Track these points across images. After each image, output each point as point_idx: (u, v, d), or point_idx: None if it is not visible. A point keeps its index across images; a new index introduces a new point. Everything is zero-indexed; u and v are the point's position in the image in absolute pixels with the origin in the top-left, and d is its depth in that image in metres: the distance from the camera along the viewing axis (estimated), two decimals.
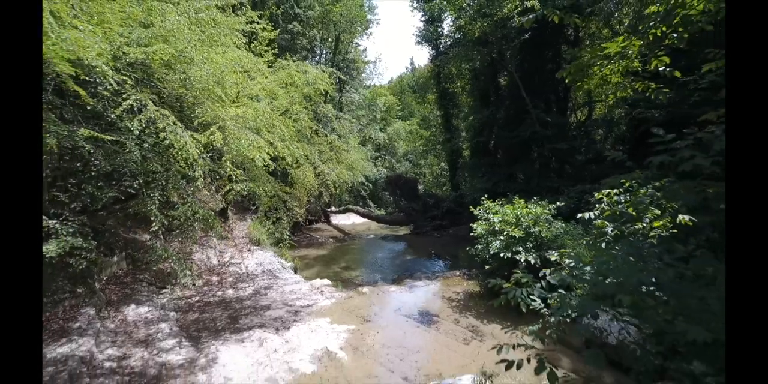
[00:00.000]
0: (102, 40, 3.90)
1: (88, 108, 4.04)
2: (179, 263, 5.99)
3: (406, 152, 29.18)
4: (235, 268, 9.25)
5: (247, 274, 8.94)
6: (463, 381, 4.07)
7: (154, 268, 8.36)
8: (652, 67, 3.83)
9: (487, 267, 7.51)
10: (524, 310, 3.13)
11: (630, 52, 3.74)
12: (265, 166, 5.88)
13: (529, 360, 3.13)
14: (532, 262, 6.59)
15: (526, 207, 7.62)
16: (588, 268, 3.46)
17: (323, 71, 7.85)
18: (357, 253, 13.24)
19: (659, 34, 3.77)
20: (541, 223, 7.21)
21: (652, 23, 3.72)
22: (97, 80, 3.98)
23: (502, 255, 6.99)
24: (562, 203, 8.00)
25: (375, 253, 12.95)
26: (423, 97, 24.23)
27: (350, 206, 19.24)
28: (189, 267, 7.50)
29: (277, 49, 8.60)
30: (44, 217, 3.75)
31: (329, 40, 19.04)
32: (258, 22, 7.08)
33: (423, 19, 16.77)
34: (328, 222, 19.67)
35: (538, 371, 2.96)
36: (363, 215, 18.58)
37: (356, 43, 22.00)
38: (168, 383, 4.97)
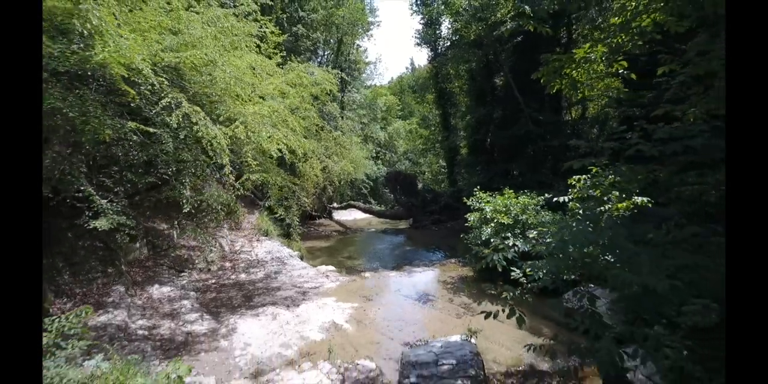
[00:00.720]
0: (143, 47, 4.58)
1: (133, 105, 4.72)
2: (206, 240, 6.68)
3: (405, 151, 29.83)
4: (246, 255, 9.93)
5: (258, 261, 9.62)
6: (453, 338, 4.73)
7: (172, 254, 9.07)
8: (613, 70, 4.50)
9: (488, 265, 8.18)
10: (500, 269, 3.78)
11: (593, 56, 4.40)
12: (278, 157, 6.57)
13: (503, 310, 3.82)
14: (519, 245, 7.25)
15: (516, 197, 8.28)
16: (552, 237, 4.14)
17: (328, 72, 8.52)
18: (359, 244, 13.92)
19: (620, 42, 4.45)
20: (528, 212, 7.87)
21: (613, 32, 4.39)
22: (139, 81, 4.65)
23: (492, 240, 7.65)
24: (551, 195, 8.67)
25: (376, 245, 13.63)
26: (422, 97, 24.91)
27: (352, 202, 19.92)
28: (214, 245, 8.20)
29: (284, 52, 9.26)
30: (96, 197, 4.42)
31: (331, 41, 19.71)
32: (269, 28, 7.75)
33: (422, 22, 17.46)
34: (331, 217, 20.35)
35: (509, 316, 3.66)
36: (364, 210, 19.26)
37: (358, 45, 22.68)
38: (194, 347, 5.66)
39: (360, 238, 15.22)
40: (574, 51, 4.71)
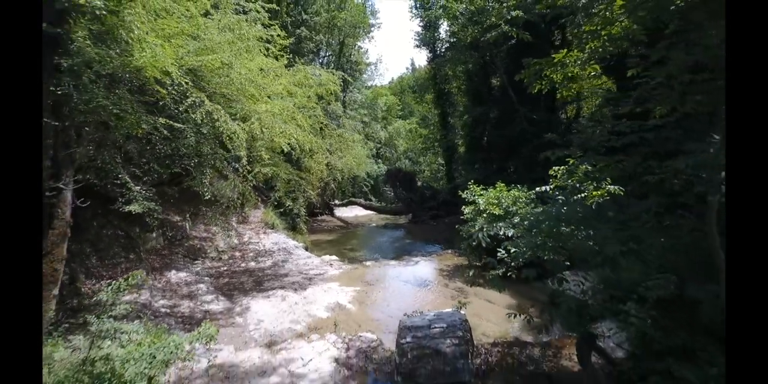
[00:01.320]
0: (171, 52, 5.17)
1: (161, 103, 5.32)
2: (223, 225, 7.28)
3: (405, 150, 30.43)
4: (254, 246, 10.52)
5: (265, 251, 10.21)
6: (445, 310, 5.32)
7: (186, 244, 9.68)
8: (587, 72, 5.09)
9: (474, 243, 8.77)
10: (483, 245, 4.36)
11: (568, 61, 4.99)
12: (286, 153, 7.17)
13: (485, 278, 4.41)
14: (510, 234, 7.82)
15: (508, 190, 8.85)
16: (530, 219, 4.74)
17: (332, 74, 9.12)
18: (360, 238, 14.52)
19: (592, 47, 5.04)
20: (519, 204, 8.44)
21: (585, 39, 4.98)
22: (167, 82, 5.25)
23: (485, 229, 8.23)
24: (541, 189, 9.26)
25: (377, 238, 14.23)
26: (422, 97, 25.50)
27: (353, 199, 20.51)
28: (230, 229, 8.82)
29: (289, 54, 9.86)
30: (131, 184, 5.02)
31: (333, 43, 20.31)
32: (276, 32, 8.35)
33: (421, 24, 18.07)
34: (332, 214, 20.93)
35: (492, 283, 4.24)
36: (365, 207, 19.86)
37: (359, 46, 23.29)
38: (213, 323, 6.24)
39: (361, 232, 15.82)
40: (553, 56, 5.31)
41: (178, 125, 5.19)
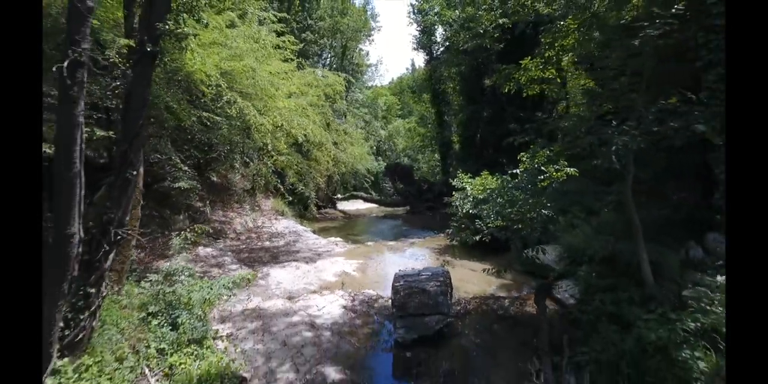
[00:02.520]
0: (212, 58, 6.43)
1: (202, 100, 6.57)
2: (239, 211, 8.51)
3: (404, 148, 31.67)
4: (268, 229, 11.77)
5: (278, 233, 11.46)
6: (431, 266, 6.56)
7: (209, 227, 10.93)
8: (546, 75, 6.33)
9: (463, 226, 10.01)
10: (461, 214, 5.55)
11: (531, 66, 6.23)
12: (297, 144, 8.41)
13: (469, 252, 5.66)
14: (492, 216, 9.06)
15: (494, 178, 10.08)
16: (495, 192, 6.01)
17: (339, 75, 10.38)
18: (362, 225, 15.79)
19: (549, 56, 6.29)
20: (501, 190, 9.68)
21: (544, 48, 6.22)
22: (207, 83, 6.50)
23: (470, 212, 9.46)
24: (512, 171, 10.50)
25: (377, 226, 15.49)
26: (420, 97, 26.75)
27: (354, 193, 21.76)
28: (246, 215, 10.07)
29: (299, 58, 11.11)
30: (181, 164, 6.27)
31: (336, 46, 21.58)
32: (289, 39, 9.61)
33: (418, 29, 19.33)
34: (335, 207, 22.18)
35: (463, 240, 5.49)
36: (366, 199, 21.12)
37: (360, 49, 24.57)
38: (241, 285, 7.48)
39: (363, 221, 17.09)
40: (520, 62, 6.56)
41: (216, 118, 6.43)
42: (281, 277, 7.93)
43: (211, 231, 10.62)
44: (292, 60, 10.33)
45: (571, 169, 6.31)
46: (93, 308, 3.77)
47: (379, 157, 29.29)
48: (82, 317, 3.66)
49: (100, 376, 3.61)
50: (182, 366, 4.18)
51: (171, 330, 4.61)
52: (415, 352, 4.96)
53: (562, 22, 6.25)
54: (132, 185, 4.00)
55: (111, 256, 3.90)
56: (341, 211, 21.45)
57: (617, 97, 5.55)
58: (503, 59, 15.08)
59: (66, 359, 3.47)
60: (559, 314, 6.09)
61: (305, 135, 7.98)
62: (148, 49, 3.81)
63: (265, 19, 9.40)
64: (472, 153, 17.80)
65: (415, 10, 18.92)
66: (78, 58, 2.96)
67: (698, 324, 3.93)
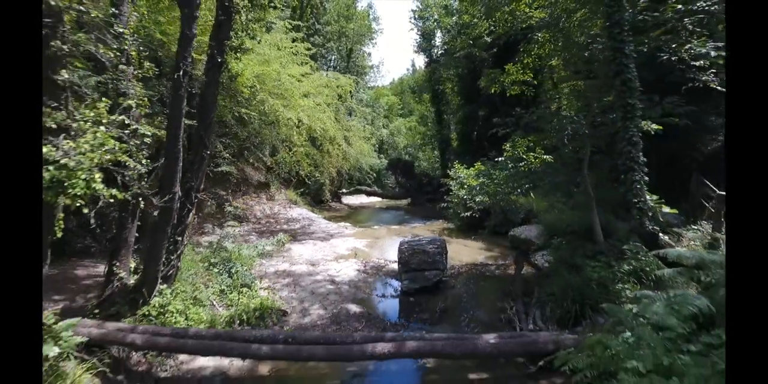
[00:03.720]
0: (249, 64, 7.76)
1: (239, 100, 7.90)
2: (258, 199, 9.85)
3: (405, 146, 32.97)
4: (284, 215, 13.10)
5: (293, 219, 12.79)
6: (431, 236, 7.90)
7: (233, 212, 12.27)
8: (525, 78, 7.66)
9: (458, 210, 11.36)
10: (456, 200, 6.84)
11: (512, 71, 7.57)
12: (313, 138, 9.73)
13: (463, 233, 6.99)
14: (477, 192, 10.36)
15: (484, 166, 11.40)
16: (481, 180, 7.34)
17: (349, 78, 11.72)
18: (367, 214, 17.13)
19: (527, 62, 7.63)
20: (485, 171, 11.00)
21: (522, 55, 7.56)
22: (245, 85, 7.82)
23: (465, 198, 10.79)
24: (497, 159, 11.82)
25: (381, 215, 16.84)
26: (420, 97, 28.06)
27: (359, 187, 23.08)
28: (264, 203, 11.39)
29: (314, 61, 12.40)
30: (224, 152, 7.59)
31: (342, 50, 22.93)
32: (306, 46, 10.94)
33: (419, 33, 20.67)
34: (340, 201, 23.51)
35: (457, 218, 6.83)
36: (369, 193, 22.45)
37: (363, 51, 25.92)
38: (269, 255, 8.82)
39: (367, 211, 18.45)
40: (506, 67, 7.91)
41: (252, 113, 7.77)
42: (302, 250, 9.26)
43: (239, 214, 11.99)
44: (305, 63, 11.70)
45: (547, 157, 7.64)
46: (178, 252, 5.10)
47: (382, 155, 30.63)
48: (172, 258, 4.99)
49: (186, 299, 4.94)
50: (239, 301, 5.51)
51: (227, 277, 5.94)
52: (416, 298, 6.29)
53: (539, 34, 7.59)
54: (205, 161, 5.32)
55: (191, 214, 5.22)
56: (346, 204, 22.77)
57: (584, 96, 6.88)
58: (496, 63, 16.41)
59: (164, 286, 4.80)
60: (534, 275, 7.40)
61: (322, 128, 9.31)
62: (218, 60, 5.13)
63: (284, 26, 10.73)
64: (468, 148, 19.11)
65: (416, 16, 20.27)
66: (185, 68, 4.29)
67: (630, 267, 5.26)
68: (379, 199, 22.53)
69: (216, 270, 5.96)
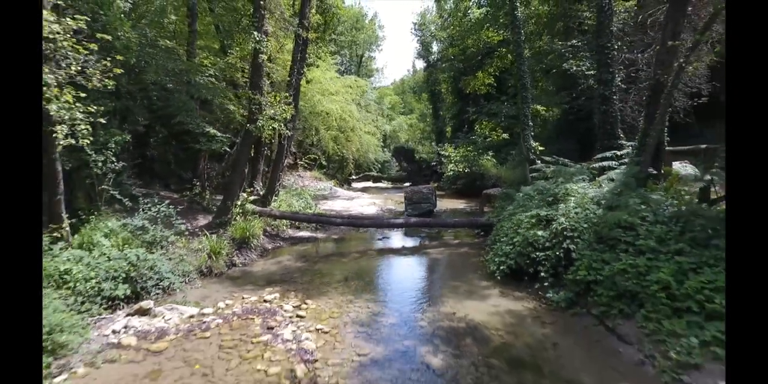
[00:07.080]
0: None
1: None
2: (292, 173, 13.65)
3: (407, 140, 36.76)
4: (312, 187, 16.86)
5: (320, 189, 16.56)
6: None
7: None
8: (490, 81, 11.40)
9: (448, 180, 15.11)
10: (448, 173, 10.50)
11: (481, 76, 11.28)
12: (339, 126, 13.50)
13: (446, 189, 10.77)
14: (464, 166, 14.11)
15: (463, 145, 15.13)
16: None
17: (365, 80, 15.47)
18: (376, 192, 20.96)
19: (492, 70, 11.40)
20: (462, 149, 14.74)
21: (490, 63, 11.31)
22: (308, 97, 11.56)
23: (454, 173, 14.52)
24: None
25: (387, 192, 20.64)
26: (419, 96, 31.83)
27: (367, 173, 26.87)
28: (299, 176, 15.16)
29: (338, 66, 16.16)
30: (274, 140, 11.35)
31: (349, 55, 26.71)
32: (331, 58, 14.72)
33: (418, 42, 24.49)
34: (350, 186, 27.28)
35: (445, 184, 10.64)
36: (375, 179, 26.28)
37: (370, 55, 29.72)
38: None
39: (375, 190, 22.27)
40: (476, 74, 11.68)
41: (307, 105, 11.52)
42: (333, 205, 13.00)
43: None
44: (328, 69, 15.46)
45: (504, 134, 11.35)
46: (280, 181, 8.85)
47: (386, 149, 34.40)
48: (276, 184, 8.73)
49: (284, 204, 8.70)
50: (307, 209, 9.27)
51: (298, 201, 9.70)
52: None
53: (502, 48, 11.34)
54: (284, 153, 9.07)
55: (282, 163, 9.00)
56: (355, 188, 26.54)
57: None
58: (478, 68, 20.16)
59: (275, 197, 8.56)
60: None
61: (349, 117, 13.06)
62: (298, 80, 8.89)
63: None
64: (459, 137, 22.87)
65: (416, 27, 24.09)
66: (299, 69, 8.06)
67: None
68: (384, 184, 26.35)
69: (294, 198, 9.73)
